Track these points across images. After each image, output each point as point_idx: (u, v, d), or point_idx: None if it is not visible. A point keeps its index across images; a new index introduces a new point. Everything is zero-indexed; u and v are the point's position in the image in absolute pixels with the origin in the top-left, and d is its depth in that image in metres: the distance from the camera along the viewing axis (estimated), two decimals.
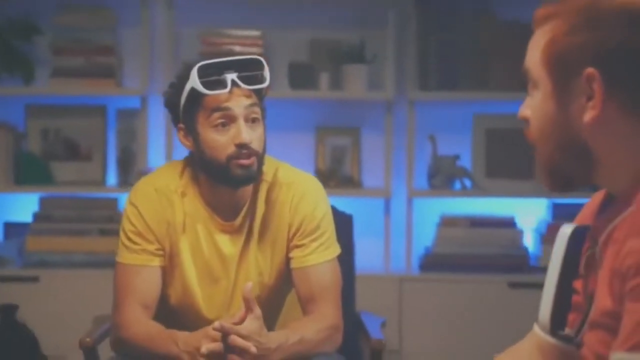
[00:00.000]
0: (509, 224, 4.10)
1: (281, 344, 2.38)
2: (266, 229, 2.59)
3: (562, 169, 1.65)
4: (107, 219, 4.03)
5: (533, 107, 1.67)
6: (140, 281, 2.53)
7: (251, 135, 2.40)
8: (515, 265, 4.05)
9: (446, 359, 3.85)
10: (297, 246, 2.55)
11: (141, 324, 2.49)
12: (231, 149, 2.40)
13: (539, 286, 3.70)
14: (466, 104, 4.17)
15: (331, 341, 2.51)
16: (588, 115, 1.56)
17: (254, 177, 2.46)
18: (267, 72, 2.44)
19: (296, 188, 2.59)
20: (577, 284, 1.70)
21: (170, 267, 2.57)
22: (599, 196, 1.79)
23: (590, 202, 1.85)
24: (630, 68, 1.57)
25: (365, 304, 3.06)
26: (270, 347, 2.34)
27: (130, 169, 4.03)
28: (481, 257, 4.07)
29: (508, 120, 4.05)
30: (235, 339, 2.27)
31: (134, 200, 2.55)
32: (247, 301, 2.32)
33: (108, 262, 3.82)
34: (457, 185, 4.11)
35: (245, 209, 2.54)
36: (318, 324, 2.49)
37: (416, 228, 4.12)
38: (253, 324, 2.31)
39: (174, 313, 2.60)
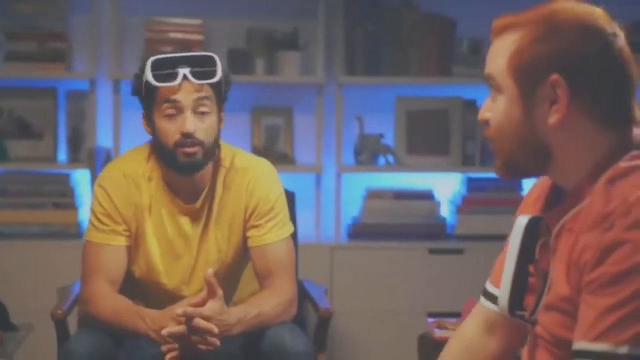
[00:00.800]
0: (427, 196, 4.28)
1: (241, 319, 2.49)
2: (224, 211, 2.68)
3: (521, 164, 1.72)
4: (60, 193, 4.16)
5: (496, 110, 1.71)
6: (108, 259, 2.62)
7: (197, 125, 2.51)
8: (434, 233, 4.23)
9: (374, 319, 3.98)
10: (254, 226, 2.65)
11: (108, 299, 2.58)
12: (177, 137, 2.50)
13: (456, 251, 4.05)
14: (389, 88, 4.32)
15: (287, 313, 2.62)
16: (553, 118, 1.64)
17: (199, 164, 2.56)
18: (219, 69, 2.54)
19: (252, 173, 2.69)
20: (531, 268, 1.77)
21: (135, 246, 2.66)
22: (542, 187, 1.89)
23: (532, 192, 1.94)
24: (589, 75, 1.64)
25: (299, 270, 3.15)
26: (230, 322, 2.45)
27: (80, 147, 4.16)
28: (403, 226, 4.23)
29: (427, 103, 4.30)
30: (199, 322, 2.37)
31: (103, 184, 2.64)
32: (209, 285, 2.41)
33: (62, 233, 4.09)
34: (381, 161, 4.27)
35: (204, 192, 2.64)
36: (275, 298, 2.60)
37: (344, 200, 4.27)
38: (215, 304, 2.41)
39: (139, 286, 2.70)
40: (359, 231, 4.26)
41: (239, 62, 4.07)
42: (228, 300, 2.64)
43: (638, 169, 1.65)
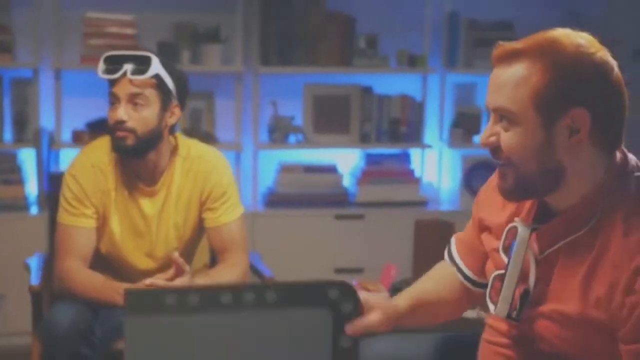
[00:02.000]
0: (332, 169, 4.60)
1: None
2: (182, 194, 2.78)
3: (535, 186, 1.72)
4: (9, 170, 4.29)
5: (514, 139, 1.68)
6: (78, 239, 2.70)
7: (130, 115, 2.61)
8: (338, 201, 4.55)
9: (292, 276, 3.65)
10: (210, 209, 2.78)
11: (83, 275, 2.67)
12: (112, 123, 2.64)
13: (357, 217, 4.51)
14: (299, 76, 4.60)
15: (245, 276, 2.80)
16: (575, 147, 1.65)
17: (129, 149, 2.64)
18: (153, 67, 2.62)
19: (207, 161, 2.80)
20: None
21: (102, 226, 2.75)
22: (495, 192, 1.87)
23: (489, 197, 1.94)
24: (604, 105, 1.65)
25: None
26: None
27: (25, 129, 4.33)
28: (312, 196, 4.51)
29: (331, 89, 4.60)
30: (185, 272, 2.51)
31: (73, 172, 2.74)
32: (176, 264, 2.53)
33: (12, 207, 4.22)
34: (292, 139, 4.56)
35: (163, 177, 2.75)
36: (233, 271, 2.73)
37: (261, 174, 4.54)
38: (183, 280, 2.52)
39: (105, 261, 2.78)
40: (274, 200, 4.50)
41: (166, 53, 4.12)
42: (194, 257, 2.85)
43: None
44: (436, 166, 4.90)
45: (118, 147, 2.69)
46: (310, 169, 4.63)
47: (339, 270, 4.46)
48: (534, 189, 1.74)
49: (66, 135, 4.39)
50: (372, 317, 1.90)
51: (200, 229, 2.87)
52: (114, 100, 2.67)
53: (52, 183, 3.30)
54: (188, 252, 2.86)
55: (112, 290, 2.59)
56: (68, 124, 4.37)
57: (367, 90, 4.65)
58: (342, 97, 4.63)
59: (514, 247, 1.77)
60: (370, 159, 4.68)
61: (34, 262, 3.16)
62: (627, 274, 1.61)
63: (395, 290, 3.10)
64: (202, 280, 2.69)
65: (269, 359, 1.87)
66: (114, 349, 2.72)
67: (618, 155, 1.74)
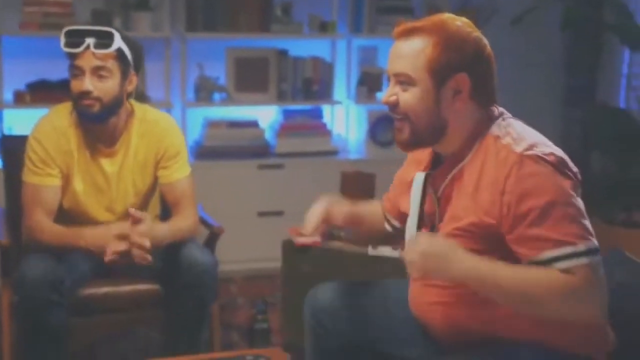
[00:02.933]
0: (254, 124, 4.58)
1: (166, 235, 2.67)
2: (139, 154, 2.77)
3: (424, 138, 1.90)
4: None
5: (410, 98, 1.85)
6: (44, 196, 2.69)
7: (95, 86, 2.60)
8: (260, 153, 4.51)
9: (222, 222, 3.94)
10: (164, 167, 2.79)
11: (49, 227, 2.66)
12: (78, 93, 2.62)
13: (277, 166, 4.50)
14: (222, 41, 4.53)
15: (196, 232, 2.84)
16: (456, 104, 1.85)
17: (96, 115, 2.64)
18: (116, 42, 2.61)
19: (161, 124, 2.82)
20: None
21: (65, 184, 2.73)
22: (420, 155, 2.05)
23: (413, 156, 2.10)
24: (480, 72, 1.86)
25: None
26: (158, 236, 2.60)
27: None
28: (237, 148, 4.46)
29: (251, 52, 4.55)
30: (135, 238, 2.53)
31: (37, 135, 2.71)
32: (134, 217, 2.55)
33: None
34: (217, 97, 4.49)
35: (121, 139, 2.75)
36: (186, 221, 2.77)
37: (189, 129, 4.45)
38: (145, 226, 2.56)
39: (67, 215, 2.76)
40: (202, 153, 4.43)
41: (99, 20, 4.06)
42: (147, 208, 2.84)
43: (510, 132, 1.84)
44: (344, 120, 4.91)
45: (84, 115, 2.67)
46: (234, 124, 4.58)
47: (261, 214, 4.48)
48: (424, 140, 1.91)
49: (8, 96, 4.23)
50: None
51: (154, 185, 2.87)
52: (77, 72, 2.64)
53: None
54: (143, 205, 2.86)
55: (75, 235, 2.62)
56: (9, 86, 4.20)
57: (283, 53, 4.61)
58: (261, 59, 4.58)
59: (412, 192, 1.97)
60: (287, 115, 4.67)
61: None
62: (501, 182, 1.78)
63: (328, 235, 3.14)
64: (161, 228, 2.73)
65: None
66: (80, 295, 2.72)
67: (493, 109, 1.93)
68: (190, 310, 2.71)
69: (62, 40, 2.62)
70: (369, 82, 4.75)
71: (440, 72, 1.84)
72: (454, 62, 1.84)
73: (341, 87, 4.79)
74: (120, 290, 2.81)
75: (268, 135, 4.66)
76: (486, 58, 1.89)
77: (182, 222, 2.77)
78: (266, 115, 4.74)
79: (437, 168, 1.97)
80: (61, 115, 2.77)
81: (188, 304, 2.69)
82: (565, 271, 1.73)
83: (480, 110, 1.90)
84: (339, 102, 4.79)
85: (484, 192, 1.82)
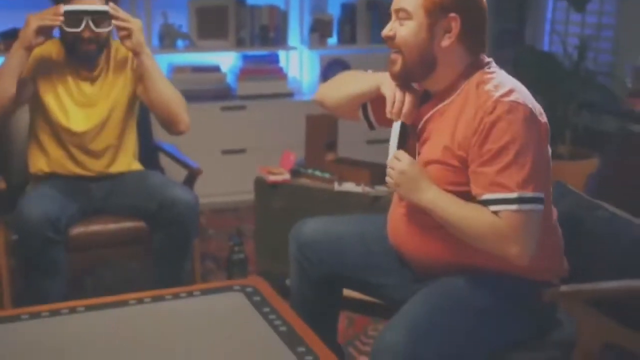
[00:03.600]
0: (216, 69, 4.52)
1: (158, 71, 2.71)
2: (117, 76, 2.76)
3: (414, 71, 1.90)
4: None
5: (406, 32, 1.86)
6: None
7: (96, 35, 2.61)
8: (222, 95, 4.45)
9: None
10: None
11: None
12: (72, 38, 2.62)
13: (239, 108, 4.45)
14: None
15: (186, 119, 2.88)
16: (445, 42, 1.84)
17: (93, 55, 2.68)
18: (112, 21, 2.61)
19: None
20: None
21: (52, 100, 2.69)
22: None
23: None
24: (472, 16, 1.85)
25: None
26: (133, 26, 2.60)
27: None
28: (201, 92, 4.37)
29: (211, 1, 4.42)
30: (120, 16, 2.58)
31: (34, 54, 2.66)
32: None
33: None
34: (180, 44, 4.40)
35: (101, 64, 2.74)
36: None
37: None
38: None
39: (55, 131, 2.71)
40: None
41: None
42: (128, 131, 2.83)
43: (492, 79, 1.85)
44: (298, 64, 4.86)
45: (81, 57, 2.69)
46: (197, 69, 4.50)
47: (225, 152, 4.46)
48: (414, 73, 1.90)
49: None
50: None
51: (134, 102, 2.85)
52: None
53: None
54: (125, 124, 2.84)
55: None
56: None
57: (241, 2, 4.52)
58: (221, 8, 4.48)
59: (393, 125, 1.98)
60: (246, 60, 4.61)
61: None
62: (476, 122, 1.79)
63: (294, 172, 3.17)
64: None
65: None
66: (72, 233, 2.70)
67: (481, 58, 1.92)
68: (174, 245, 2.71)
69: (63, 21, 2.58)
70: (320, 29, 4.69)
71: (435, 10, 1.83)
72: (448, 3, 1.82)
73: (295, 34, 4.72)
74: (109, 228, 2.79)
75: (229, 79, 4.58)
76: (479, 7, 1.89)
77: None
78: (227, 61, 4.66)
79: (422, 104, 1.97)
80: (49, 46, 2.73)
81: (173, 239, 2.70)
82: (495, 213, 1.76)
83: (469, 55, 1.89)
84: (293, 48, 4.74)
85: (460, 129, 1.83)
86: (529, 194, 1.76)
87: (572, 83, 4.19)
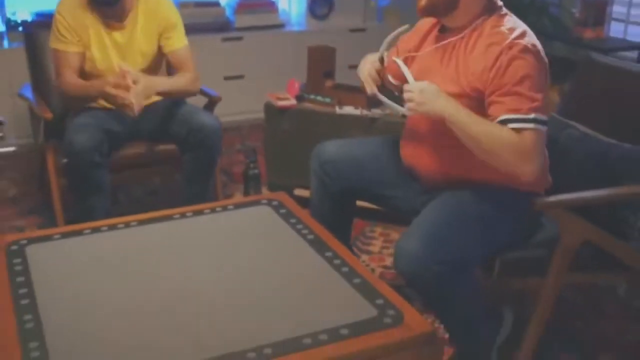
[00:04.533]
0: (216, 4, 4.37)
1: (163, 85, 2.60)
2: (144, 28, 2.68)
3: (439, 7, 1.89)
4: None
5: None
6: (70, 59, 2.62)
7: None
8: (223, 28, 4.33)
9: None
10: (166, 38, 2.71)
11: (74, 81, 2.62)
12: None
13: (237, 39, 4.37)
14: None
15: (197, 84, 2.76)
16: None
17: (114, 1, 2.57)
18: None
19: (162, 2, 2.72)
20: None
21: (84, 51, 2.64)
22: (425, 27, 2.05)
23: (417, 28, 2.09)
24: None
25: None
26: (151, 84, 2.52)
27: None
28: (204, 25, 4.23)
29: None
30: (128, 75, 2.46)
31: (60, 10, 2.62)
32: (122, 71, 2.48)
33: None
34: None
35: (130, 15, 2.66)
36: (187, 75, 2.72)
37: None
38: (139, 85, 2.47)
39: (85, 78, 2.68)
40: None
41: None
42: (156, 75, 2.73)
43: (506, 22, 1.86)
44: None
45: (101, 1, 2.60)
46: (200, 4, 4.34)
47: (226, 78, 4.39)
48: (437, 9, 1.88)
49: None
50: None
51: (159, 54, 2.78)
52: None
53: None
54: (152, 68, 2.79)
55: (90, 86, 2.58)
56: None
57: None
58: None
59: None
60: None
61: (27, 92, 2.97)
62: (493, 57, 1.80)
63: (299, 98, 3.15)
64: (160, 79, 2.68)
65: None
66: (113, 156, 2.67)
67: (496, 1, 1.92)
68: (202, 164, 2.71)
69: None
70: None
71: None
72: None
73: None
74: (144, 151, 2.78)
75: (228, 13, 4.45)
76: None
77: (181, 77, 2.72)
78: None
79: (439, 42, 1.96)
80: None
81: (200, 159, 2.69)
82: (515, 131, 1.77)
83: None
84: None
85: (474, 63, 1.84)
86: (542, 117, 1.79)
87: (529, 13, 4.17)
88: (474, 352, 1.99)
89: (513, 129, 1.77)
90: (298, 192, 3.07)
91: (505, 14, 1.91)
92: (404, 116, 2.02)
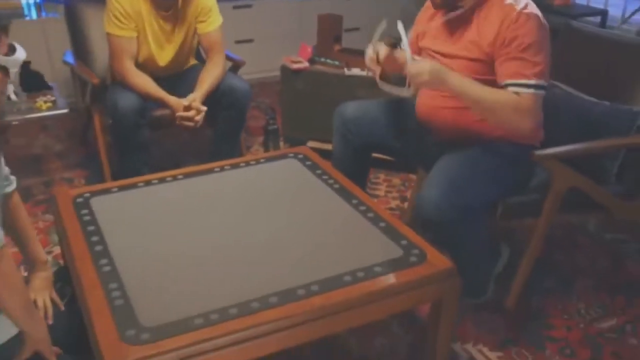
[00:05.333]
0: None
1: (211, 88, 2.56)
2: (186, 16, 2.62)
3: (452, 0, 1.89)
4: None
5: None
6: (128, 45, 2.54)
7: None
8: None
9: None
10: (201, 21, 2.65)
11: (139, 75, 2.52)
12: None
13: (247, 6, 4.29)
14: None
15: (225, 67, 2.68)
16: None
17: None
18: None
19: None
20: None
21: (140, 38, 2.58)
22: (425, 14, 2.04)
23: (424, 14, 2.07)
24: None
25: None
26: (208, 91, 2.52)
27: None
28: None
29: None
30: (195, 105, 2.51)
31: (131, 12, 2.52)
32: (192, 106, 2.49)
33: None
34: None
35: (175, 7, 2.58)
36: (218, 69, 2.64)
37: None
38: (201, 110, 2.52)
39: (141, 64, 2.62)
40: None
41: None
42: (185, 61, 2.71)
43: None
44: None
45: None
46: None
47: (238, 42, 4.33)
48: (451, 2, 1.88)
49: None
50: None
51: (194, 36, 2.73)
52: None
53: None
54: (188, 51, 2.77)
55: (162, 95, 2.53)
56: None
57: None
58: None
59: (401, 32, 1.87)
60: None
61: (70, 59, 2.94)
62: (503, 26, 1.79)
63: (311, 61, 3.13)
64: (208, 86, 2.59)
65: None
66: (153, 116, 2.65)
67: None
68: (233, 123, 2.70)
69: None
70: None
71: None
72: None
73: None
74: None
75: None
76: None
77: (216, 70, 2.64)
78: None
79: (450, 14, 1.94)
80: None
81: (231, 118, 2.68)
82: (516, 93, 1.79)
83: None
84: None
85: (487, 32, 1.85)
86: (542, 82, 1.80)
87: None
88: (477, 281, 2.06)
89: (515, 92, 1.79)
90: (311, 144, 3.08)
91: None
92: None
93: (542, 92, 1.81)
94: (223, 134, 2.72)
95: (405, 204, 2.74)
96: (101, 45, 2.80)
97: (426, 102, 2.08)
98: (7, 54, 1.30)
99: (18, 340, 1.31)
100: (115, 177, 2.67)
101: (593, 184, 2.02)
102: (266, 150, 2.98)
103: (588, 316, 2.13)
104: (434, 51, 2.01)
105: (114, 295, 1.53)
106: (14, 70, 1.32)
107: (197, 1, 2.63)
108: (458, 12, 1.91)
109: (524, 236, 2.15)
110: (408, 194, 2.83)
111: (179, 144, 3.37)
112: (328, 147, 2.90)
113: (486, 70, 1.86)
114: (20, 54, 1.33)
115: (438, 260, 1.69)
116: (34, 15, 3.78)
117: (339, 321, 1.55)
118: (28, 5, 3.81)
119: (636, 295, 2.24)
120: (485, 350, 1.97)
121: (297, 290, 1.56)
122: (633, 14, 4.30)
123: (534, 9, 1.84)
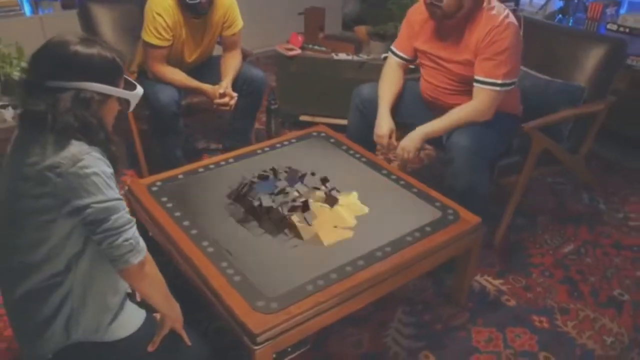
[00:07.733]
0: None
1: (235, 76, 2.47)
2: (213, 22, 2.47)
3: (452, 10, 1.87)
4: None
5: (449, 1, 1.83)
6: (163, 52, 2.38)
7: None
8: None
9: None
10: (228, 27, 2.51)
11: (173, 71, 2.41)
12: None
13: None
14: None
15: (241, 60, 2.54)
16: None
17: (202, 10, 2.35)
18: None
19: (226, 2, 2.47)
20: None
21: (176, 42, 2.42)
22: (419, 17, 2.00)
23: (418, 16, 2.01)
24: None
25: None
26: (233, 78, 2.43)
27: None
28: None
29: None
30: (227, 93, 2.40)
31: (159, 12, 2.33)
32: (226, 93, 2.39)
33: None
34: None
35: (206, 15, 2.42)
36: (236, 60, 2.52)
37: None
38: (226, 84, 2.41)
39: (170, 59, 2.45)
40: None
41: None
42: (206, 54, 2.57)
43: (494, 8, 1.86)
44: None
45: (195, 9, 2.35)
46: None
47: None
48: (451, 14, 1.87)
49: None
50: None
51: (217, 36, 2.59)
52: None
53: None
54: (210, 49, 2.62)
55: (198, 85, 2.43)
56: None
57: None
58: None
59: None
60: None
61: None
62: (485, 33, 1.83)
63: (302, 47, 3.04)
64: (232, 76, 2.49)
65: None
66: (189, 105, 2.56)
67: None
68: (252, 107, 2.64)
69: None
70: None
71: None
72: None
73: None
74: (206, 100, 2.55)
75: None
76: None
77: (235, 61, 2.55)
78: None
79: (445, 21, 1.92)
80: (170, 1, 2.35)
81: (251, 103, 2.61)
82: (480, 88, 1.86)
83: None
84: None
85: (477, 36, 1.88)
86: (508, 80, 1.88)
87: None
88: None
89: (479, 87, 1.86)
90: (302, 117, 3.06)
91: (493, 6, 1.91)
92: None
93: (507, 87, 1.89)
94: (242, 116, 2.66)
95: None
96: (113, 41, 2.61)
97: (430, 84, 2.10)
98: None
99: (146, 325, 1.34)
100: (151, 163, 2.56)
101: (557, 145, 2.17)
102: (268, 127, 2.93)
103: (553, 244, 2.31)
104: (434, 56, 2.02)
105: (229, 273, 1.51)
106: (134, 103, 1.31)
107: (225, 9, 2.50)
108: (453, 20, 1.91)
109: (503, 190, 2.27)
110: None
111: (197, 127, 3.23)
112: (320, 119, 2.95)
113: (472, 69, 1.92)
114: (140, 90, 1.32)
115: (469, 217, 1.79)
116: (28, 12, 3.45)
117: (409, 273, 1.64)
118: (21, 1, 3.43)
119: (578, 225, 2.43)
120: (490, 279, 2.11)
121: (376, 252, 1.61)
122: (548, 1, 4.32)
123: (512, 19, 1.88)
